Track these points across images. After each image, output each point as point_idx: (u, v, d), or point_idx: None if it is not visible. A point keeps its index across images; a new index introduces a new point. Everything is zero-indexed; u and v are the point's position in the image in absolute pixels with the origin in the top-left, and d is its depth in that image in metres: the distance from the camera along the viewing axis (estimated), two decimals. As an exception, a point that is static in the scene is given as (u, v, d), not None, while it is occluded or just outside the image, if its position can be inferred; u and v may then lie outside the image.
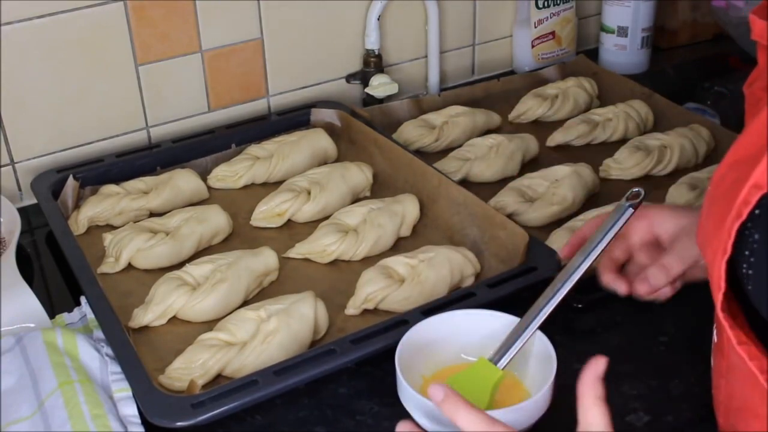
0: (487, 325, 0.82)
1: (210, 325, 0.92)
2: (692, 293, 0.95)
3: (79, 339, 0.87)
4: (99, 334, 0.90)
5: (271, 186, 1.16)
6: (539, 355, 0.79)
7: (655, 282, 0.84)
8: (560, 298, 0.79)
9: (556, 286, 0.80)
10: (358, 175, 1.14)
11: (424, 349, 0.81)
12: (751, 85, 0.70)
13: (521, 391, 0.79)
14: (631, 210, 0.83)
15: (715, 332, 0.72)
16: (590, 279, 0.94)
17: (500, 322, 0.82)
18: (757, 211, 0.57)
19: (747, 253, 0.59)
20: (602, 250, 0.82)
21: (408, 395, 0.76)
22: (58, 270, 1.06)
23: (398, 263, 0.97)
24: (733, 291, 0.62)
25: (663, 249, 0.86)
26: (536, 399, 0.74)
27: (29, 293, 0.94)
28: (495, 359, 0.77)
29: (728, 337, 0.62)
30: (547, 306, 0.79)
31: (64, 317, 0.95)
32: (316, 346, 0.88)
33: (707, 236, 0.62)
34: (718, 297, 0.61)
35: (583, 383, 0.63)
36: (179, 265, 1.00)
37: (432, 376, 0.81)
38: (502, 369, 0.76)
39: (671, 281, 0.84)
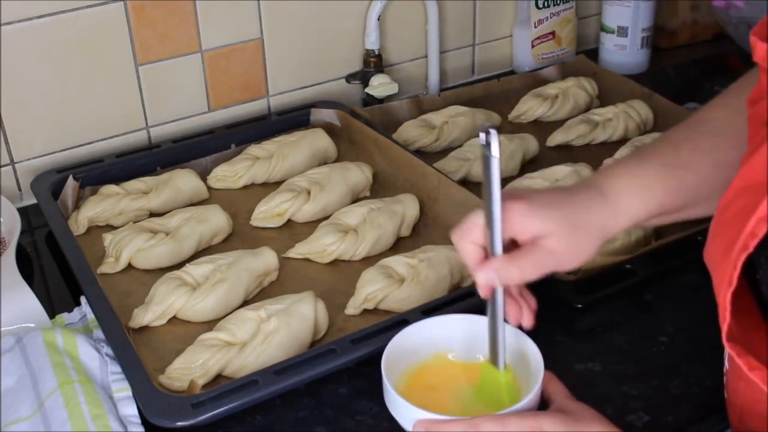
0: (466, 326, 0.80)
1: (210, 325, 0.92)
2: (692, 293, 0.96)
3: (79, 339, 0.87)
4: (99, 334, 0.90)
5: (271, 186, 1.16)
6: (525, 355, 0.78)
7: (505, 278, 0.71)
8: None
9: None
10: (358, 175, 1.14)
11: (407, 354, 0.79)
12: (756, 104, 0.64)
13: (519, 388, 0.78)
14: (496, 159, 0.69)
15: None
16: (590, 279, 0.94)
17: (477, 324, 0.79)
18: None
19: (763, 259, 0.57)
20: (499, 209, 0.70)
21: (395, 402, 0.74)
22: (58, 270, 1.06)
23: (398, 263, 0.97)
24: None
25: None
26: (522, 404, 0.72)
27: (29, 293, 0.94)
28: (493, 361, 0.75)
29: (739, 365, 0.59)
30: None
31: (64, 317, 0.95)
32: (316, 346, 0.88)
33: (714, 262, 0.60)
34: (724, 327, 0.59)
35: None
36: (179, 265, 1.00)
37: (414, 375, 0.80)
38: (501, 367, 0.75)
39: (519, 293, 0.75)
